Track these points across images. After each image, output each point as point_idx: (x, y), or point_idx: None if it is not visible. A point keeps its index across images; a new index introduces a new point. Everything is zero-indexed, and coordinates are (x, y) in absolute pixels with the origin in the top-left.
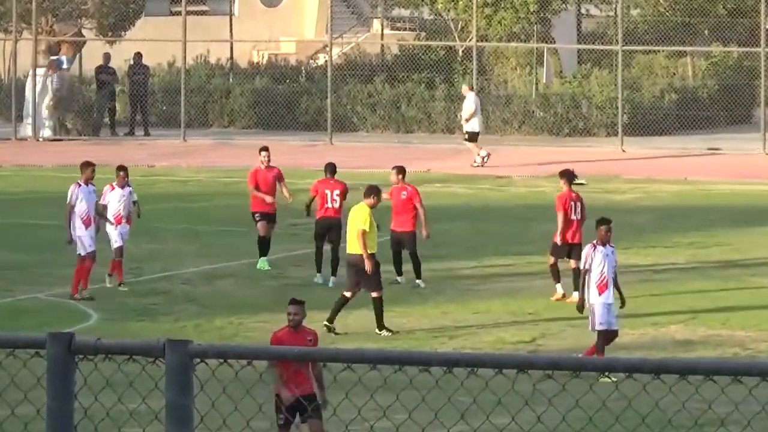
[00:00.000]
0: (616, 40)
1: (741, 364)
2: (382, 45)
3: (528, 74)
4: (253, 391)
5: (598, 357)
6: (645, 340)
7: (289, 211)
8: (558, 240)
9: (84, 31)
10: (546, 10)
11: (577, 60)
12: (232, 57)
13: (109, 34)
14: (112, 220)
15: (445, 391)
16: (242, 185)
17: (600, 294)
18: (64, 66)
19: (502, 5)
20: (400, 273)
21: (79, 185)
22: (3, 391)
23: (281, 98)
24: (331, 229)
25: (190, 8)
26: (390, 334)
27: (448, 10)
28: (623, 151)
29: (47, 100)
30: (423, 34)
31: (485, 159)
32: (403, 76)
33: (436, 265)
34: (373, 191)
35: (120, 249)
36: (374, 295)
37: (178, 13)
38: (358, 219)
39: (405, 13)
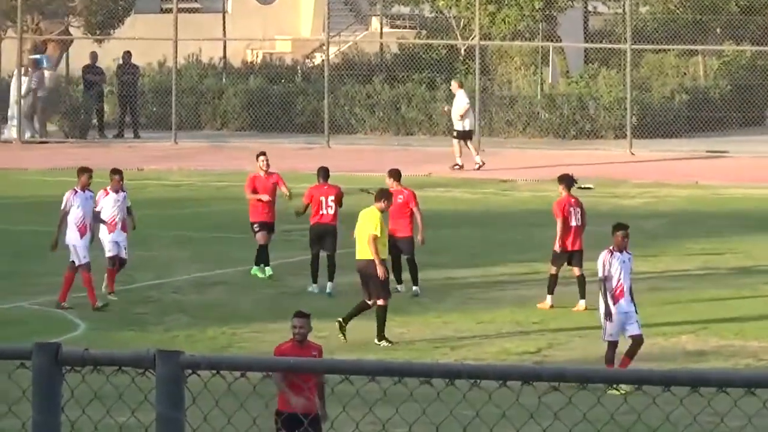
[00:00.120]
0: (625, 39)
1: (755, 375)
2: (381, 44)
3: (533, 74)
4: (247, 404)
5: (607, 368)
6: (655, 351)
7: (284, 216)
8: (557, 246)
9: (71, 30)
10: (552, 7)
11: (584, 59)
12: (225, 56)
13: (98, 32)
14: (107, 222)
15: (446, 404)
16: (235, 189)
17: (615, 303)
18: (44, 65)
19: (506, 2)
20: (400, 281)
21: (75, 192)
22: None
23: (276, 99)
24: (326, 237)
25: (182, 5)
26: (389, 344)
27: (450, 8)
28: (632, 154)
29: (23, 101)
30: (424, 32)
31: (478, 166)
32: (403, 76)
33: (437, 272)
34: (384, 195)
35: (113, 258)
36: (379, 302)
37: (169, 11)
38: (369, 224)
39: (405, 10)
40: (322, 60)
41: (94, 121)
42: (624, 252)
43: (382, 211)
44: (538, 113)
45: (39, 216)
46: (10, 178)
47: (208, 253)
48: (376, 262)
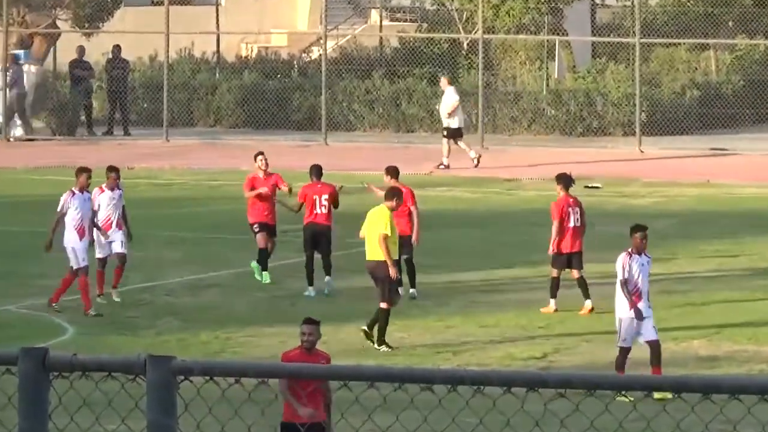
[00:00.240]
0: (634, 32)
1: None
2: (381, 37)
3: (538, 69)
4: (241, 412)
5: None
6: (665, 357)
7: (279, 216)
8: (551, 250)
9: (59, 23)
10: None
11: (592, 54)
12: (218, 50)
13: (86, 25)
14: (101, 227)
15: (449, 411)
16: (229, 188)
17: (631, 308)
18: (21, 61)
19: None
20: (400, 283)
21: (73, 193)
22: None
23: (272, 95)
24: (320, 238)
25: None
26: (389, 349)
27: (452, 0)
28: (641, 151)
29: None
30: (425, 25)
31: (476, 161)
32: (403, 71)
33: (439, 275)
34: (396, 194)
35: (103, 260)
36: (382, 305)
37: (161, 3)
38: (379, 223)
39: (405, 2)
40: (320, 54)
41: (83, 117)
42: (643, 255)
43: (391, 210)
44: (544, 110)
45: (27, 216)
46: None
47: (202, 254)
48: (389, 263)
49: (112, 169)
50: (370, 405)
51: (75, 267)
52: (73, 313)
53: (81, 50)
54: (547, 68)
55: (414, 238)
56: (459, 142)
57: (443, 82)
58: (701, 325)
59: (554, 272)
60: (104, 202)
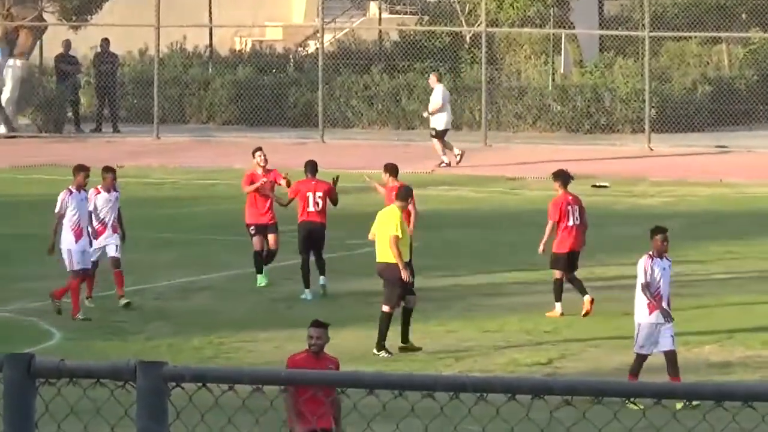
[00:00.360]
0: (643, 25)
1: None
2: (380, 30)
3: (543, 63)
4: (235, 420)
5: (627, 381)
6: None
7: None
8: (541, 249)
9: (45, 15)
10: None
11: (599, 47)
12: (211, 44)
13: (73, 18)
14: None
15: (450, 419)
16: (222, 188)
17: (651, 313)
18: None
19: None
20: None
21: (71, 192)
22: None
23: (266, 91)
24: (314, 237)
25: None
26: (389, 355)
27: None
28: (651, 149)
29: None
30: (426, 18)
31: (459, 158)
32: (403, 66)
33: (440, 277)
34: (408, 193)
35: (95, 264)
36: (384, 309)
37: None
38: (390, 224)
39: None
40: (316, 48)
41: (70, 114)
42: (664, 258)
43: (402, 210)
44: (550, 106)
45: (9, 218)
46: None
47: (193, 256)
48: (400, 266)
49: (109, 170)
50: (369, 413)
51: (69, 269)
52: (59, 317)
53: (67, 44)
54: (553, 63)
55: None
56: (442, 141)
57: (432, 79)
58: (713, 329)
59: (557, 274)
60: (100, 204)
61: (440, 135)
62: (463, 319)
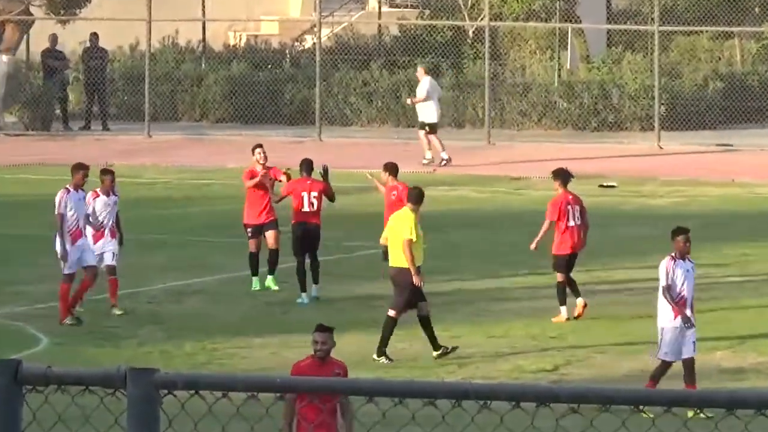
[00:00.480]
0: (652, 19)
1: None
2: (380, 25)
3: (549, 59)
4: (229, 428)
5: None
6: None
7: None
8: (534, 246)
9: (32, 9)
10: None
11: (607, 42)
12: (204, 39)
13: (61, 12)
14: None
15: (452, 427)
16: (216, 188)
17: (675, 317)
18: None
19: None
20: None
21: (68, 191)
22: None
23: (262, 87)
24: (309, 238)
25: None
26: (389, 362)
27: None
28: (660, 147)
29: None
30: (427, 12)
31: (445, 163)
32: (403, 61)
33: (443, 281)
34: (422, 195)
35: (95, 274)
36: (389, 313)
37: None
38: (404, 228)
39: None
40: (314, 43)
41: (58, 111)
42: (686, 260)
43: (415, 213)
44: (555, 102)
45: None
46: None
47: (187, 258)
48: (412, 271)
49: (107, 172)
50: (368, 421)
51: (63, 272)
52: (48, 322)
53: (54, 39)
54: (559, 58)
55: None
56: (428, 136)
57: (420, 71)
58: (725, 335)
59: (559, 277)
60: (98, 208)
61: (434, 129)
62: (467, 323)
